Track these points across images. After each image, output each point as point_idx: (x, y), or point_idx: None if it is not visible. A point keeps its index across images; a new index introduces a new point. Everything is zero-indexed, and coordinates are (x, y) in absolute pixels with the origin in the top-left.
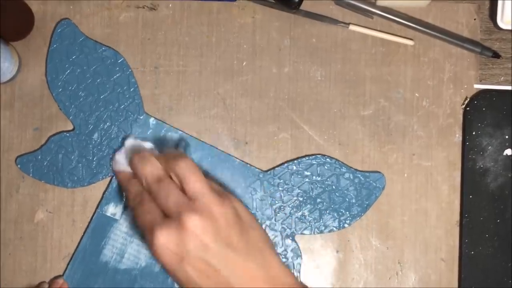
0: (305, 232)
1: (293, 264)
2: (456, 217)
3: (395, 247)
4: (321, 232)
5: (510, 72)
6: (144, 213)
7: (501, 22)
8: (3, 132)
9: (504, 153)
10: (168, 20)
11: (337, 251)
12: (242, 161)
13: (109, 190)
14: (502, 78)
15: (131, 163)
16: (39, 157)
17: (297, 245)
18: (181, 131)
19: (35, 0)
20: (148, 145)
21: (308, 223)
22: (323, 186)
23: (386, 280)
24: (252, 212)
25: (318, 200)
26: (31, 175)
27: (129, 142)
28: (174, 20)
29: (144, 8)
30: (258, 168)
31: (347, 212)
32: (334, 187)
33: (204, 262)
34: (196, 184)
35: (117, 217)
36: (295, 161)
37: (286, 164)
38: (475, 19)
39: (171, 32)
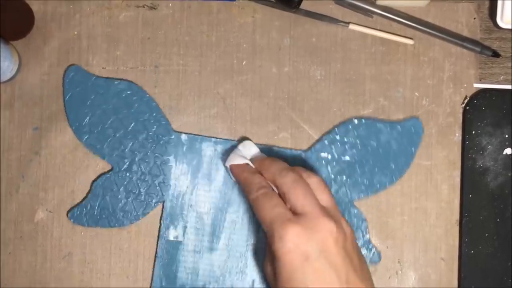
0: (362, 195)
1: (361, 229)
2: (456, 216)
3: (394, 246)
4: (377, 191)
5: (510, 71)
6: (271, 206)
7: (501, 21)
8: (3, 132)
9: (504, 152)
10: (168, 19)
11: None
12: (278, 147)
13: (164, 215)
14: (501, 77)
15: (261, 163)
16: (89, 205)
17: (359, 210)
18: (214, 137)
19: (35, 0)
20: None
21: (362, 187)
22: (364, 147)
23: (386, 279)
24: None
25: (364, 161)
26: (86, 225)
27: (245, 144)
28: (174, 20)
29: (144, 7)
30: (297, 149)
31: (396, 165)
32: (375, 144)
33: (327, 268)
34: (329, 201)
35: (180, 238)
36: (331, 132)
37: (323, 137)
38: (474, 18)
39: (171, 31)
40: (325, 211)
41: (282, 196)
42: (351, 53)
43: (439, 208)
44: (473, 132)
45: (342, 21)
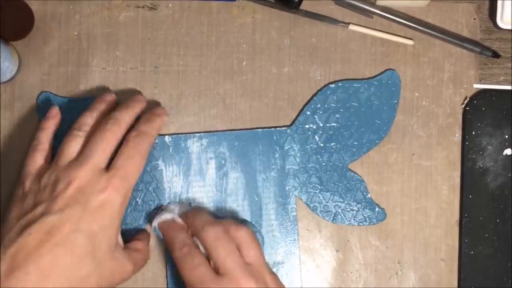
0: (355, 157)
1: (360, 190)
2: (456, 216)
3: (394, 247)
4: (369, 149)
5: (510, 71)
6: (193, 266)
7: (501, 21)
8: (3, 132)
9: (504, 153)
10: (168, 20)
11: (337, 251)
12: (265, 128)
13: None
14: (501, 77)
15: (186, 216)
16: None
17: (355, 173)
18: (198, 133)
19: (35, 0)
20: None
21: (353, 149)
22: (347, 109)
23: (385, 280)
24: (301, 166)
25: (350, 124)
26: None
27: (171, 207)
28: (174, 20)
29: (144, 8)
30: (281, 127)
31: (381, 120)
32: (356, 104)
33: None
34: (256, 257)
35: None
36: (310, 102)
37: (304, 110)
38: (474, 19)
39: (171, 32)
40: (247, 270)
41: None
42: (351, 53)
43: (439, 209)
44: (473, 133)
45: (342, 22)
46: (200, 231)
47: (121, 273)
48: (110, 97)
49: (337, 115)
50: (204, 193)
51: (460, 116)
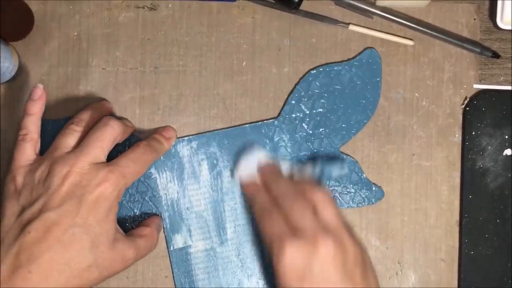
0: (345, 140)
1: (355, 171)
2: (456, 217)
3: (394, 247)
4: (358, 130)
5: (510, 72)
6: (273, 224)
7: (501, 22)
8: (3, 132)
9: (504, 153)
10: (168, 20)
11: None
12: (251, 122)
13: (166, 226)
14: (501, 78)
15: (263, 174)
16: None
17: (348, 155)
18: (186, 136)
19: (35, 0)
20: (265, 156)
21: (343, 132)
22: (330, 93)
23: (386, 280)
24: (293, 156)
25: (336, 107)
26: None
27: (254, 150)
28: (174, 20)
29: (144, 8)
30: (268, 119)
31: (366, 99)
32: (340, 87)
33: (323, 287)
34: (333, 216)
35: (189, 242)
36: (294, 91)
37: (288, 99)
38: (474, 19)
39: (171, 32)
40: (324, 228)
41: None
42: (351, 53)
43: (439, 209)
44: (473, 133)
45: (342, 22)
46: (278, 192)
47: (122, 261)
48: (108, 104)
49: (322, 100)
50: (200, 195)
51: (460, 117)
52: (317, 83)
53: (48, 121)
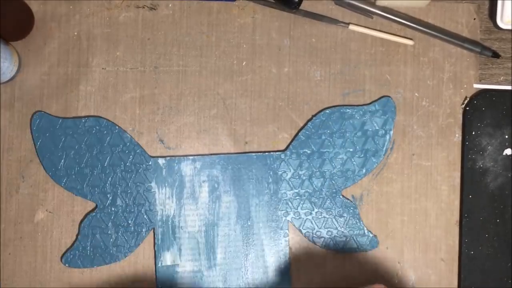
0: (348, 184)
1: (354, 215)
2: (456, 217)
3: (394, 247)
4: (362, 176)
5: (510, 71)
6: None
7: (501, 22)
8: (3, 132)
9: (504, 153)
10: (168, 20)
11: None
12: (259, 152)
13: (157, 242)
14: (501, 77)
15: None
16: (80, 247)
17: (348, 199)
18: (191, 155)
19: (35, 0)
20: None
21: (347, 175)
22: (341, 135)
23: (386, 280)
24: (294, 191)
25: (344, 150)
26: (82, 267)
27: None
28: (174, 20)
29: (144, 8)
30: (275, 151)
31: (375, 147)
32: (351, 130)
33: None
34: None
35: (177, 261)
36: (305, 127)
37: (298, 135)
38: (474, 19)
39: (171, 32)
40: None
41: None
42: (351, 53)
43: (439, 209)
44: (473, 133)
45: (342, 22)
46: None
47: None
48: None
49: (332, 141)
50: (196, 216)
51: (460, 116)
52: (329, 122)
53: (57, 119)
